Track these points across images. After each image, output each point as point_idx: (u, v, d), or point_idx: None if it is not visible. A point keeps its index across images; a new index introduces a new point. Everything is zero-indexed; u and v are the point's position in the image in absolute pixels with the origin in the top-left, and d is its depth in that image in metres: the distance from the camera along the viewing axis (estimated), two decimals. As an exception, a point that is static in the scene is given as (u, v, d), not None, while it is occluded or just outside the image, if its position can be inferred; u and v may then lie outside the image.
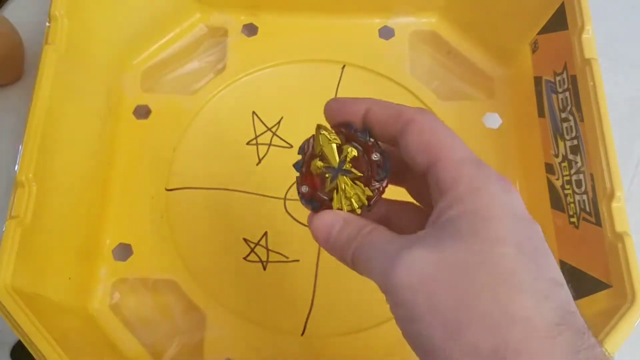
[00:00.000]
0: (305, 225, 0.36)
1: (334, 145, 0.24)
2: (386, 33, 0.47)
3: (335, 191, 0.23)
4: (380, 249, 0.21)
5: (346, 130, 0.24)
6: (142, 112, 0.44)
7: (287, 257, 0.40)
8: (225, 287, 0.38)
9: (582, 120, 0.35)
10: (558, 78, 0.39)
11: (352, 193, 0.23)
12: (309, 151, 0.25)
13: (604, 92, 0.34)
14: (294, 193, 0.41)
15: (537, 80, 0.42)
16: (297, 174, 0.25)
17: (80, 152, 0.38)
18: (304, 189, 0.24)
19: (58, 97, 0.35)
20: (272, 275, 0.39)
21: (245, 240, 0.40)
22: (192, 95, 0.45)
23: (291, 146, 0.43)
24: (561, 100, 0.38)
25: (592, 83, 0.34)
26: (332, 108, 0.25)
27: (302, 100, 0.45)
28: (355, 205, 0.23)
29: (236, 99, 0.45)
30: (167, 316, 0.38)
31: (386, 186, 0.23)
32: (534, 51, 0.43)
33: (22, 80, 0.46)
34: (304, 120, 0.44)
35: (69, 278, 0.36)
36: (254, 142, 0.43)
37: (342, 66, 0.46)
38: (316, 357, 0.37)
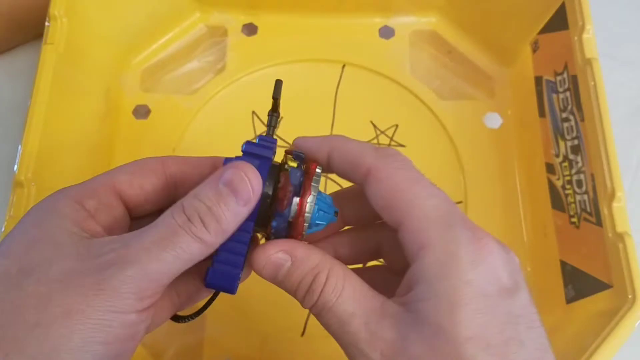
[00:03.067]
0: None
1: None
2: (386, 32, 0.47)
3: None
4: (347, 320, 0.20)
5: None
6: (142, 112, 0.44)
7: (287, 257, 0.40)
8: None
9: (582, 120, 0.35)
10: (559, 78, 0.38)
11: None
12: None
13: (604, 92, 0.34)
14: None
15: (538, 80, 0.42)
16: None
17: (80, 152, 0.38)
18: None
19: (57, 96, 0.35)
20: (272, 276, 0.39)
21: (245, 240, 0.40)
22: (191, 95, 0.45)
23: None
24: (562, 100, 0.38)
25: (592, 83, 0.34)
26: (300, 147, 0.24)
27: (302, 100, 0.45)
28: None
29: (236, 99, 0.45)
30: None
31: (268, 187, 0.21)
32: (534, 51, 0.43)
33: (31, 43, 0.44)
34: (304, 120, 0.45)
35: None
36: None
37: (342, 66, 0.46)
38: (316, 358, 0.37)
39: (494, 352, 0.18)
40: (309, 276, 0.21)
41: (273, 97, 0.24)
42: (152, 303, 0.19)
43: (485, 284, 0.19)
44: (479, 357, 0.18)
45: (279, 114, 0.24)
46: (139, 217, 0.23)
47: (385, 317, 0.19)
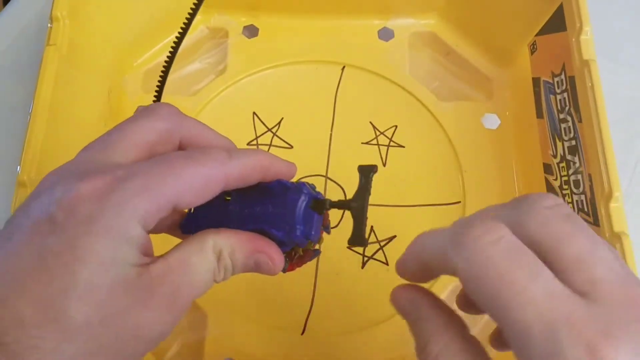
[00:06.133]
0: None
1: None
2: (386, 34, 0.48)
3: None
4: None
5: None
6: (143, 113, 0.44)
7: (287, 257, 0.40)
8: (226, 287, 0.38)
9: (580, 121, 0.35)
10: (556, 79, 0.39)
11: None
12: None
13: (602, 93, 0.34)
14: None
15: (536, 81, 0.42)
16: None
17: (82, 153, 0.39)
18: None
19: (59, 98, 0.35)
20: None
21: (245, 240, 0.40)
22: (193, 97, 0.45)
23: (291, 147, 0.43)
24: (559, 101, 0.38)
25: (590, 84, 0.35)
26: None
27: (302, 101, 0.45)
28: None
29: (237, 100, 0.45)
30: (168, 316, 0.39)
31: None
32: (532, 52, 0.43)
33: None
34: (304, 121, 0.45)
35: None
36: (255, 142, 0.44)
37: (342, 67, 0.46)
38: (316, 356, 0.37)
39: None
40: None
41: None
42: None
43: None
44: None
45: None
46: None
47: None
